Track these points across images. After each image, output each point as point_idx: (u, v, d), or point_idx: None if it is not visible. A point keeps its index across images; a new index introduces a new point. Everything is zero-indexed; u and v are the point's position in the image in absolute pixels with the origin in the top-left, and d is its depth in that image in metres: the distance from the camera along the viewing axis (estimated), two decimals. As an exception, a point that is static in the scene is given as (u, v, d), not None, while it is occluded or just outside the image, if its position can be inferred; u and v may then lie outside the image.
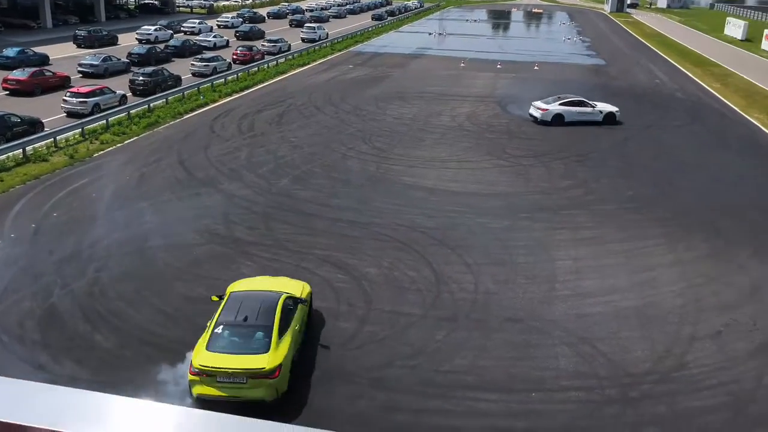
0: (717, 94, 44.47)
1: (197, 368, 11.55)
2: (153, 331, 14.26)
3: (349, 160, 26.67)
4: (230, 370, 11.53)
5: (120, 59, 43.05)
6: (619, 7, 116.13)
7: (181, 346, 13.08)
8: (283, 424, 1.14)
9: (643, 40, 75.93)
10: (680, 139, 32.09)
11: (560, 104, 33.59)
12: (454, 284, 16.75)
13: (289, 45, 55.36)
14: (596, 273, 17.74)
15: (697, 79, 50.20)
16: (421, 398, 12.49)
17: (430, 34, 76.06)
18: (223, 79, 41.15)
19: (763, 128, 35.36)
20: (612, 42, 74.02)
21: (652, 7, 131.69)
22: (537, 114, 33.66)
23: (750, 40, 72.47)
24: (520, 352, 14.13)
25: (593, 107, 33.88)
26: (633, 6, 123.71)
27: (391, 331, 14.55)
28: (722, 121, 36.72)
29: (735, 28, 77.84)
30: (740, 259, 18.85)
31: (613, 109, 34.33)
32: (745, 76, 51.20)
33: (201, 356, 11.76)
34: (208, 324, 12.65)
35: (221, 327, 12.31)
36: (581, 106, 33.76)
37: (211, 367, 11.52)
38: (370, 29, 74.92)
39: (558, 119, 33.17)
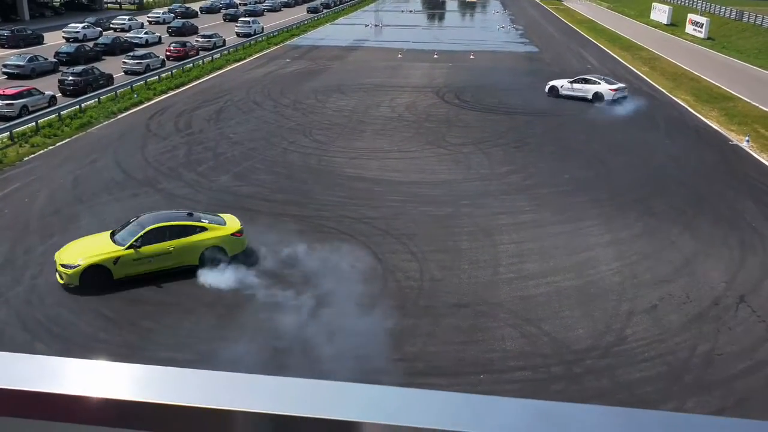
0: (645, 77, 45.98)
1: None
2: (98, 338, 13.98)
3: (290, 155, 26.55)
4: None
5: (47, 59, 41.58)
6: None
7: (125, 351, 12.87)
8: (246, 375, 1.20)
9: (574, 27, 77.74)
10: (612, 122, 33.07)
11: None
12: (400, 273, 16.94)
13: (224, 40, 54.51)
14: (537, 255, 18.22)
15: (626, 63, 51.76)
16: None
17: (366, 25, 76.07)
18: (157, 77, 40.28)
19: (689, 109, 36.77)
20: (544, 29, 75.54)
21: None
22: (609, 95, 36.17)
23: (675, 25, 75.06)
24: (467, 336, 14.42)
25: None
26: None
27: (342, 323, 14.61)
28: (651, 102, 37.98)
29: (660, 13, 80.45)
30: (672, 235, 19.64)
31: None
32: (671, 59, 53.09)
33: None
34: None
35: None
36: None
37: None
38: (306, 22, 74.44)
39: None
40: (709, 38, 64.89)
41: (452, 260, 17.76)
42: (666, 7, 78.94)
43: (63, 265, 15.57)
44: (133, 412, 1.14)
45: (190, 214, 17.38)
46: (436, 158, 26.66)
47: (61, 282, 15.61)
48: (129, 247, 15.93)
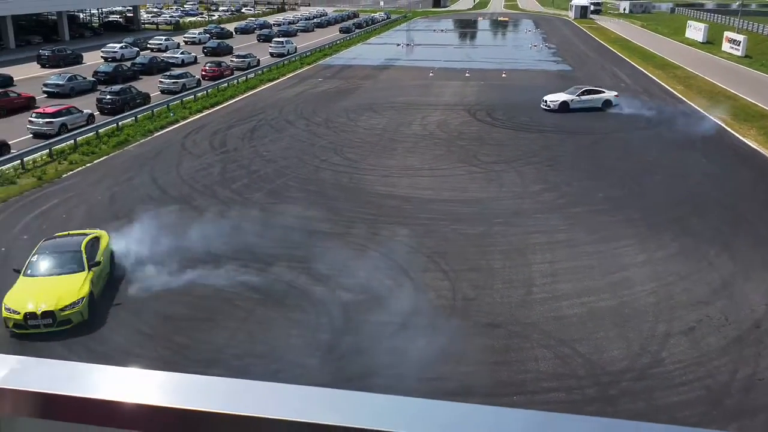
0: (681, 96, 45.39)
1: None
2: (124, 349, 14.13)
3: (322, 172, 26.71)
4: None
5: (86, 78, 42.65)
6: (583, 13, 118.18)
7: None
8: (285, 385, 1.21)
9: (607, 45, 77.27)
10: (646, 141, 32.68)
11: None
12: (432, 291, 16.84)
13: (258, 60, 55.32)
14: (571, 275, 17.98)
15: (660, 82, 51.20)
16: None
17: (398, 45, 76.56)
18: (192, 96, 40.97)
19: (727, 128, 36.16)
20: (577, 48, 75.20)
21: (615, 12, 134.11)
22: (615, 101, 38.93)
23: (711, 43, 74.15)
24: (500, 356, 14.25)
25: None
26: (596, 12, 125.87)
27: (372, 342, 14.57)
28: (687, 121, 37.43)
29: (696, 31, 79.59)
30: (710, 256, 19.24)
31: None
32: (706, 78, 52.36)
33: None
34: None
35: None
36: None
37: None
38: (339, 42, 75.20)
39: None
40: (746, 56, 63.90)
41: (485, 279, 17.62)
42: (702, 25, 78.10)
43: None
44: (160, 417, 1.17)
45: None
46: (467, 176, 26.58)
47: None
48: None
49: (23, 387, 1.22)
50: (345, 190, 24.66)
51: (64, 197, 23.48)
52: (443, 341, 14.63)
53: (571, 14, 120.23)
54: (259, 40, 73.14)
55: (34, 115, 31.59)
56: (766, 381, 13.39)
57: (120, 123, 33.37)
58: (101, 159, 28.43)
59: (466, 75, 53.16)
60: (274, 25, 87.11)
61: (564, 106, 38.15)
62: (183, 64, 53.38)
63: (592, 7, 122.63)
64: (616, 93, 40.17)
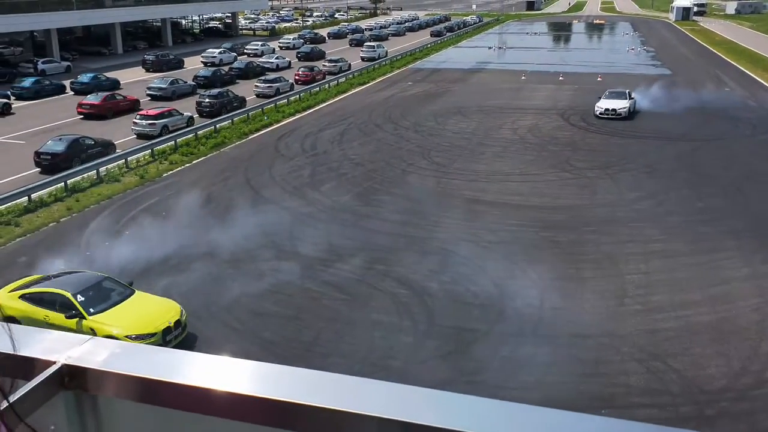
0: (792, 101, 42.68)
1: None
2: (218, 345, 14.55)
3: (409, 176, 26.75)
4: None
5: (186, 82, 44.51)
6: (685, 15, 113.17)
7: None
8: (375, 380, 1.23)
9: (710, 48, 73.75)
10: (752, 149, 30.93)
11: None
12: (519, 299, 16.51)
13: (349, 64, 56.08)
14: (667, 287, 17.20)
15: (769, 86, 48.35)
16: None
17: (489, 48, 75.81)
18: (285, 100, 41.97)
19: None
20: (678, 51, 72.15)
21: (721, 14, 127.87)
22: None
23: (826, 44, 69.42)
24: (589, 368, 13.79)
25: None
26: (700, 14, 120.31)
27: (453, 348, 14.43)
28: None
29: (810, 32, 74.72)
30: (822, 271, 17.95)
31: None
32: (822, 82, 49.03)
33: None
34: None
35: None
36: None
37: None
38: (429, 46, 75.21)
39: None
40: None
41: (574, 288, 17.11)
42: (817, 26, 73.24)
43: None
44: (250, 406, 1.19)
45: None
46: (559, 182, 25.95)
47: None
48: None
49: (123, 371, 1.27)
50: (432, 194, 24.58)
51: (163, 195, 24.54)
52: (528, 352, 14.31)
53: (672, 16, 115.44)
54: (351, 45, 74.18)
55: (138, 116, 33.22)
56: None
57: (217, 125, 34.60)
58: (199, 159, 29.56)
59: (560, 78, 51.98)
60: (366, 29, 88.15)
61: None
62: (277, 68, 54.80)
63: (695, 9, 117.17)
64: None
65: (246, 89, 43.51)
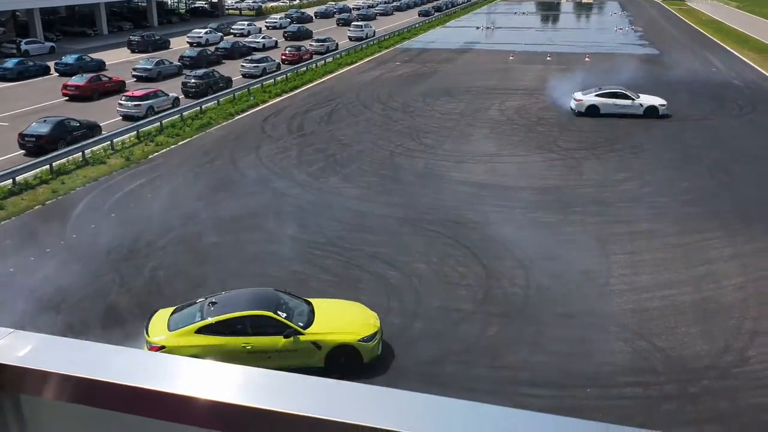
0: (778, 81, 42.88)
1: None
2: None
3: (397, 157, 26.71)
4: None
5: (172, 63, 44.06)
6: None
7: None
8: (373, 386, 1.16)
9: (698, 28, 73.80)
10: (738, 129, 31.10)
11: (596, 95, 33.13)
12: (506, 280, 16.61)
13: (337, 44, 55.69)
14: (652, 267, 17.35)
15: (756, 66, 48.50)
16: (473, 394, 12.44)
17: (477, 28, 75.47)
18: (272, 80, 41.67)
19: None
20: (666, 31, 72.16)
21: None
22: (572, 105, 33.44)
23: (813, 24, 69.67)
24: (574, 347, 13.92)
25: (633, 99, 32.99)
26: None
27: (442, 327, 14.52)
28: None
29: (796, 11, 74.91)
30: (805, 251, 18.17)
31: (658, 102, 33.21)
32: (808, 62, 49.27)
33: None
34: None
35: None
36: (620, 98, 32.97)
37: None
38: (417, 25, 74.75)
39: (593, 110, 32.74)
40: None
41: (561, 269, 17.22)
42: (803, 6, 73.41)
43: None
44: (236, 416, 1.09)
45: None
46: (546, 163, 26.01)
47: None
48: None
49: (48, 368, 1.15)
50: (420, 175, 24.58)
51: (149, 177, 24.38)
52: (515, 331, 14.43)
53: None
54: (338, 24, 73.61)
55: (123, 98, 32.89)
56: None
57: (203, 106, 34.33)
58: (185, 141, 29.35)
59: (548, 59, 51.91)
60: (353, 9, 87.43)
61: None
62: (264, 48, 54.32)
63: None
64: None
65: (232, 69, 43.13)
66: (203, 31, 58.50)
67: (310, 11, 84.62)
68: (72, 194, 22.57)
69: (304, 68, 46.15)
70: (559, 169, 25.34)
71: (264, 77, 41.74)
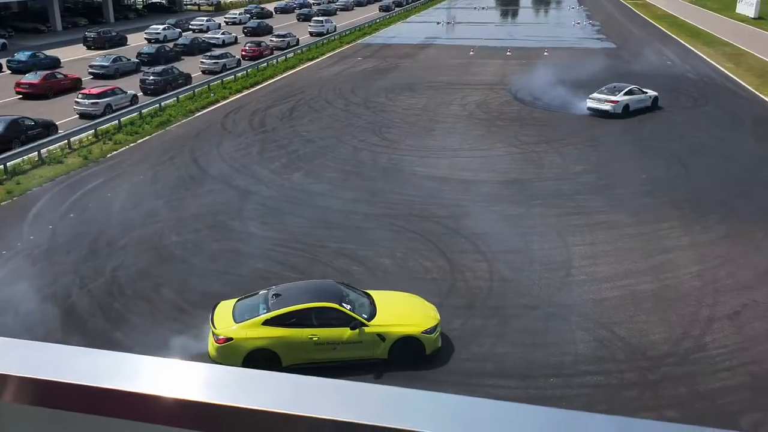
0: (730, 74, 43.99)
1: None
2: (171, 327, 14.41)
3: (360, 153, 26.72)
4: None
5: (130, 59, 43.27)
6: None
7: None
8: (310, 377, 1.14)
9: (653, 22, 75.23)
10: (693, 121, 31.82)
11: (624, 94, 32.52)
12: (470, 273, 16.77)
13: (298, 39, 55.36)
14: (612, 257, 17.70)
15: (709, 59, 49.68)
16: (438, 385, 12.56)
17: (438, 23, 75.76)
18: (232, 76, 41.26)
19: (777, 107, 34.98)
20: (622, 25, 73.40)
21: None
22: (607, 107, 32.08)
23: (763, 18, 71.55)
24: (537, 338, 14.14)
25: (645, 93, 33.49)
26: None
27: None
28: (736, 100, 36.36)
29: (747, 6, 76.82)
30: (757, 239, 18.73)
31: (655, 93, 33.99)
32: (758, 55, 50.63)
33: None
34: None
35: None
36: (637, 94, 33.12)
37: None
38: (378, 21, 74.71)
39: (626, 109, 32.29)
40: (800, 32, 61.57)
41: (523, 261, 17.46)
42: (753, 0, 75.33)
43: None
44: (205, 413, 1.09)
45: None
46: (508, 157, 26.29)
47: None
48: None
49: (14, 372, 1.12)
50: (383, 170, 24.63)
51: (109, 176, 23.96)
52: (480, 323, 14.59)
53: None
54: (298, 20, 73.16)
55: (80, 96, 32.22)
56: (813, 368, 13.04)
57: (162, 103, 33.83)
58: (144, 139, 28.90)
59: (507, 53, 52.39)
60: (313, 4, 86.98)
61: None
62: (224, 44, 53.73)
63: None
64: (612, 98, 32.52)
65: (191, 66, 42.59)
66: (161, 27, 57.59)
67: (270, 6, 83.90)
68: (28, 195, 22.07)
69: (265, 64, 45.79)
70: (520, 162, 25.65)
71: (224, 73, 41.29)
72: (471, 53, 52.83)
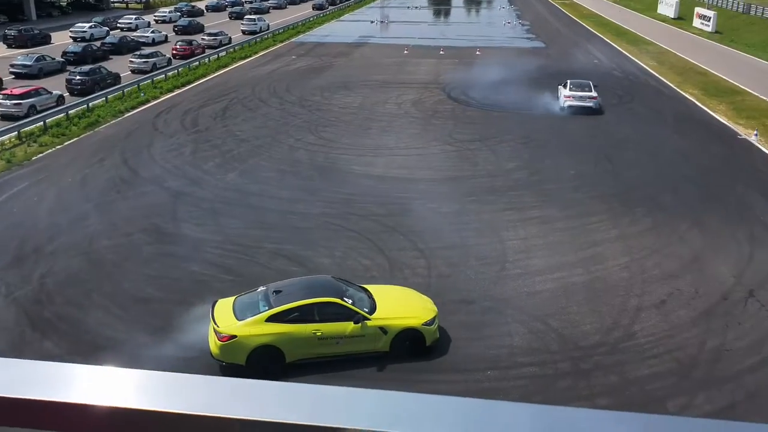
0: (653, 72, 45.74)
1: None
2: (104, 334, 14.03)
3: (296, 152, 26.57)
4: None
5: (54, 59, 41.72)
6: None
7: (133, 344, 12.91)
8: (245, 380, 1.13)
9: (580, 22, 77.43)
10: (618, 118, 32.92)
11: (595, 90, 33.59)
12: (408, 269, 16.93)
13: (230, 38, 54.54)
14: (544, 251, 18.16)
15: (633, 58, 51.51)
16: (380, 382, 12.64)
17: (372, 22, 75.95)
18: (163, 75, 40.35)
19: (698, 103, 36.57)
20: (551, 25, 75.26)
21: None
22: (590, 103, 32.87)
23: (682, 18, 74.64)
24: (474, 332, 14.40)
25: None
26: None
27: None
28: (659, 98, 37.83)
29: (667, 6, 79.98)
30: (681, 230, 19.55)
31: None
32: (678, 53, 52.79)
33: None
34: None
35: None
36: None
37: None
38: (312, 19, 74.37)
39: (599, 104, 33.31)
40: (716, 32, 64.49)
41: (459, 257, 17.73)
42: (673, 1, 78.47)
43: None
44: (138, 420, 1.07)
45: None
46: (443, 155, 26.62)
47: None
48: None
49: None
50: (320, 170, 24.57)
51: (34, 179, 23.09)
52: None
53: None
54: (230, 18, 72.06)
55: (1, 96, 30.92)
56: (733, 352, 13.72)
57: (90, 104, 32.79)
58: (72, 141, 27.96)
59: (441, 53, 52.97)
60: (245, 2, 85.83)
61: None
62: (154, 43, 52.42)
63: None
64: (568, 94, 33.57)
65: (120, 65, 41.43)
66: (87, 25, 55.74)
67: (201, 4, 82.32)
68: (-54, 200, 21.06)
69: (197, 63, 44.96)
70: (455, 160, 26.01)
71: (154, 73, 40.33)
72: (405, 52, 53.20)
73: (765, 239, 18.97)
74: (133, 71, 40.99)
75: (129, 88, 36.29)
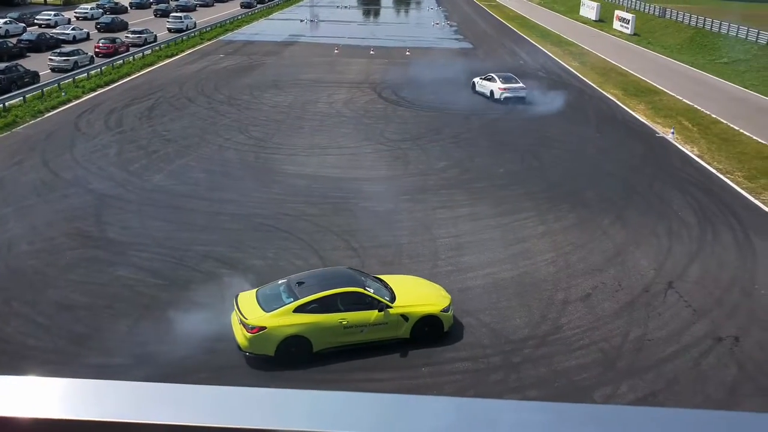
0: (576, 72, 47.18)
1: None
2: (26, 344, 13.48)
3: (226, 152, 26.17)
4: None
5: (-34, 56, 39.78)
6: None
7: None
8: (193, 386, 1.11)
9: (506, 23, 79.06)
10: (544, 117, 33.81)
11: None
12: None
13: (156, 36, 53.20)
14: (475, 248, 18.50)
15: (557, 59, 52.97)
16: (314, 384, 12.62)
17: (301, 21, 75.49)
18: (85, 74, 38.99)
19: (618, 103, 37.95)
20: (478, 26, 76.58)
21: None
22: (523, 93, 35.66)
23: (603, 21, 77.25)
24: (408, 329, 14.50)
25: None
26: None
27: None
28: (582, 97, 39.04)
29: (589, 9, 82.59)
30: (603, 225, 20.26)
31: None
32: (600, 54, 54.63)
33: None
34: None
35: None
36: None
37: None
38: (240, 17, 73.28)
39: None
40: (635, 34, 67.06)
41: (393, 255, 17.87)
42: (594, 4, 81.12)
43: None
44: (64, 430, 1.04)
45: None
46: (375, 154, 26.74)
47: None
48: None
49: None
50: (251, 170, 24.28)
51: (-55, 183, 21.95)
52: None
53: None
54: (156, 15, 70.15)
55: None
56: (654, 341, 14.32)
57: (7, 103, 31.35)
58: (-14, 142, 26.71)
59: (371, 53, 53.14)
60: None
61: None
62: (74, 40, 50.55)
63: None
64: (504, 85, 35.88)
65: (39, 63, 39.79)
66: (2, 21, 53.26)
67: (124, 1, 79.92)
68: None
69: (121, 61, 43.61)
70: (387, 159, 26.17)
71: (76, 71, 38.92)
72: (335, 51, 53.11)
73: (682, 233, 19.87)
74: (53, 69, 39.46)
75: (49, 87, 34.91)
